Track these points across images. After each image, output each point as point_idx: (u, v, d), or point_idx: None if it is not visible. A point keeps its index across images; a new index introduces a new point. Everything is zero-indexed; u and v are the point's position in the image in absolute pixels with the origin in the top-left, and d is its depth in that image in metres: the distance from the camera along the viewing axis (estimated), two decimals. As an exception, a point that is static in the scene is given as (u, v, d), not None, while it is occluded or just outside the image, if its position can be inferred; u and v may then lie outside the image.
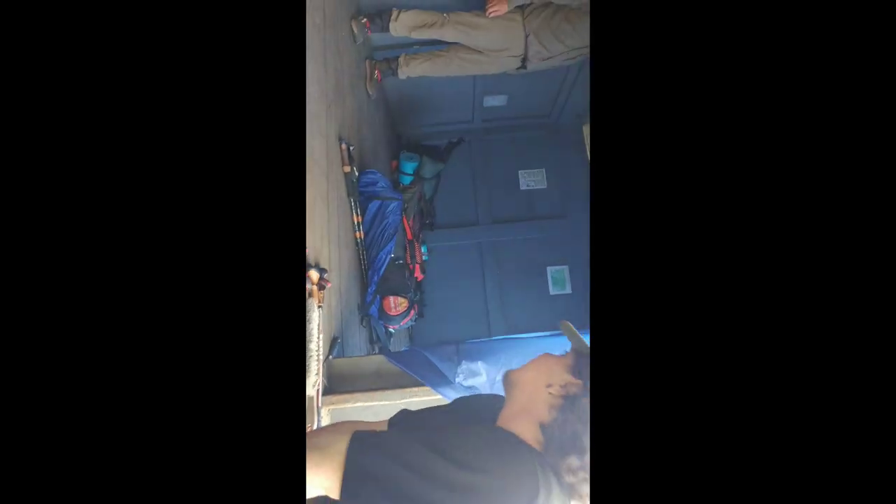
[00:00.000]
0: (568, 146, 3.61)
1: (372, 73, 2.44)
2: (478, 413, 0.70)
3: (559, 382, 0.62)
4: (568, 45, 2.15)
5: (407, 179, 2.96)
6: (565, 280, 3.37)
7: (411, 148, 3.05)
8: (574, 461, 0.57)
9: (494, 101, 3.31)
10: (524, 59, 2.21)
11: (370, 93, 2.48)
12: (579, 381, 0.61)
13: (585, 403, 0.58)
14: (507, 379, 0.67)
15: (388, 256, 1.88)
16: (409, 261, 1.96)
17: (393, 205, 1.89)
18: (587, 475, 0.57)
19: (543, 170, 3.57)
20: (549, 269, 3.39)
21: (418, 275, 2.09)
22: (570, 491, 0.58)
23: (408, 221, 1.97)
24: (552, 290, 3.33)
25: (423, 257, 2.87)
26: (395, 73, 2.42)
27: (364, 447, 0.53)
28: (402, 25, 2.20)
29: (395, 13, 2.20)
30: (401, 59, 2.39)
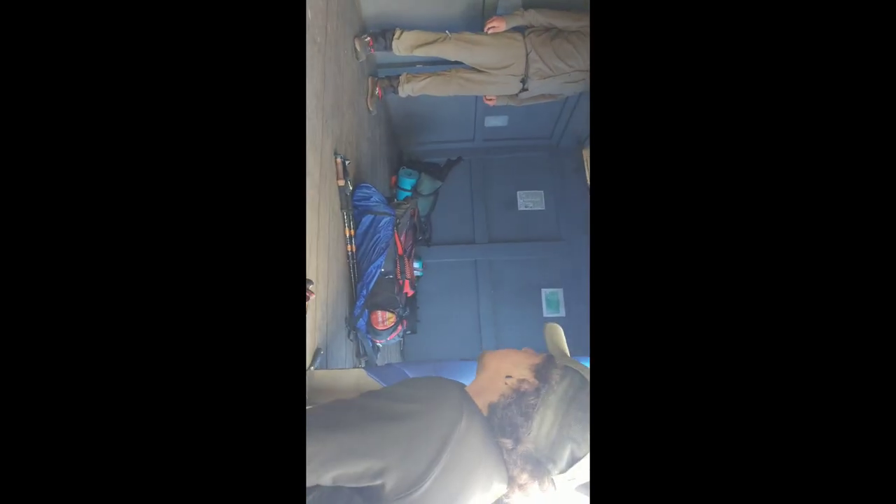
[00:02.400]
0: (567, 169, 3.64)
1: (373, 90, 2.49)
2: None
3: (518, 376, 0.67)
4: (570, 64, 2.17)
5: (405, 195, 2.98)
6: (559, 303, 3.35)
7: (411, 164, 3.09)
8: (508, 443, 0.64)
9: (495, 121, 3.36)
10: (525, 79, 2.24)
11: (370, 109, 2.52)
12: (535, 382, 0.66)
13: (532, 403, 0.64)
14: (480, 359, 0.74)
15: (378, 271, 1.88)
16: (398, 276, 1.96)
17: (385, 220, 1.90)
18: (518, 461, 0.63)
19: (542, 192, 3.59)
20: (543, 290, 3.38)
21: (408, 290, 2.09)
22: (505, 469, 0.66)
23: (399, 237, 1.97)
24: (546, 313, 3.31)
25: (416, 273, 2.87)
26: (395, 91, 2.47)
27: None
28: (405, 44, 2.25)
29: (398, 32, 2.25)
30: (402, 78, 2.43)
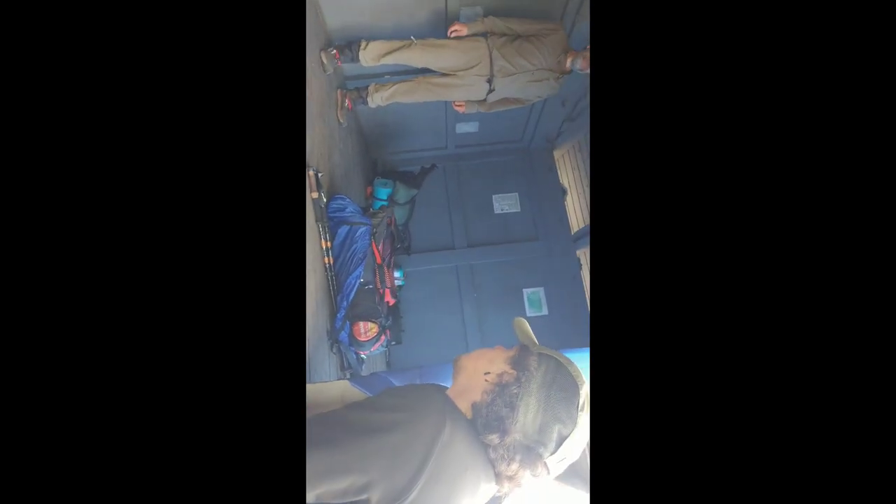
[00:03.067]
0: (540, 170, 3.70)
1: (342, 102, 2.49)
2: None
3: (496, 371, 0.68)
4: (533, 63, 2.23)
5: (380, 205, 2.98)
6: (541, 301, 3.38)
7: (386, 174, 3.09)
8: (494, 438, 0.64)
9: (467, 127, 3.40)
10: (490, 79, 2.28)
11: (341, 121, 2.51)
12: (514, 372, 0.67)
13: (515, 392, 0.65)
14: (456, 363, 0.74)
15: (358, 281, 1.87)
16: (378, 285, 1.95)
17: (361, 230, 1.89)
18: (506, 454, 0.64)
19: (517, 194, 3.63)
20: (525, 290, 3.41)
21: (389, 299, 2.08)
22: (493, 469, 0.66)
23: (377, 246, 1.97)
24: (528, 312, 3.34)
25: (398, 282, 2.86)
26: (365, 102, 2.47)
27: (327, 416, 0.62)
28: (372, 54, 2.26)
29: (363, 43, 2.27)
30: (370, 88, 2.44)
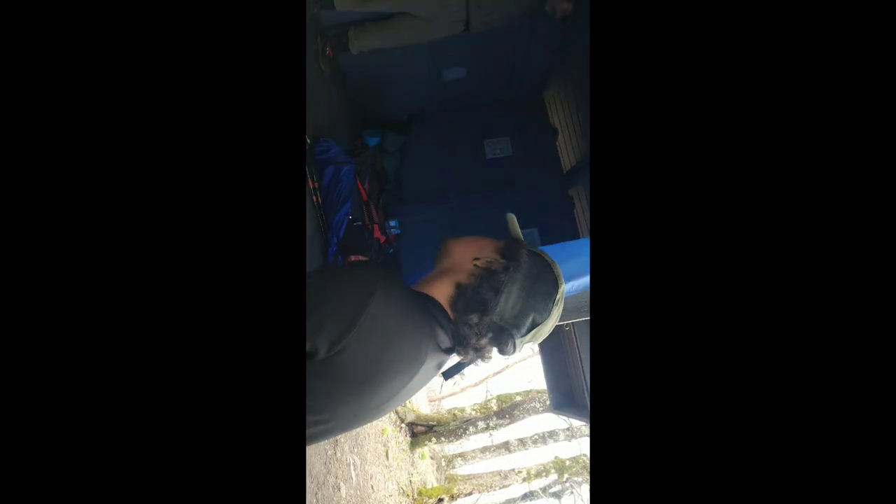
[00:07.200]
0: (530, 113, 3.69)
1: (323, 50, 2.51)
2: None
3: (486, 258, 0.70)
4: (510, 12, 2.25)
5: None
6: (536, 243, 3.46)
7: (374, 125, 3.13)
8: (474, 318, 0.68)
9: (453, 73, 3.38)
10: (467, 22, 2.29)
11: (323, 69, 2.55)
12: (503, 261, 0.69)
13: (502, 280, 0.68)
14: (443, 245, 0.77)
15: (346, 217, 1.97)
16: (367, 222, 2.05)
17: (346, 168, 1.98)
18: (479, 331, 0.68)
19: (508, 137, 3.64)
20: (521, 233, 3.48)
21: (378, 235, 2.18)
22: (461, 340, 0.69)
23: (362, 184, 2.05)
24: (523, 253, 3.43)
25: (394, 231, 2.96)
26: (346, 48, 2.49)
27: None
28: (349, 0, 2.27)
29: (339, -13, 2.27)
30: (350, 33, 2.45)
